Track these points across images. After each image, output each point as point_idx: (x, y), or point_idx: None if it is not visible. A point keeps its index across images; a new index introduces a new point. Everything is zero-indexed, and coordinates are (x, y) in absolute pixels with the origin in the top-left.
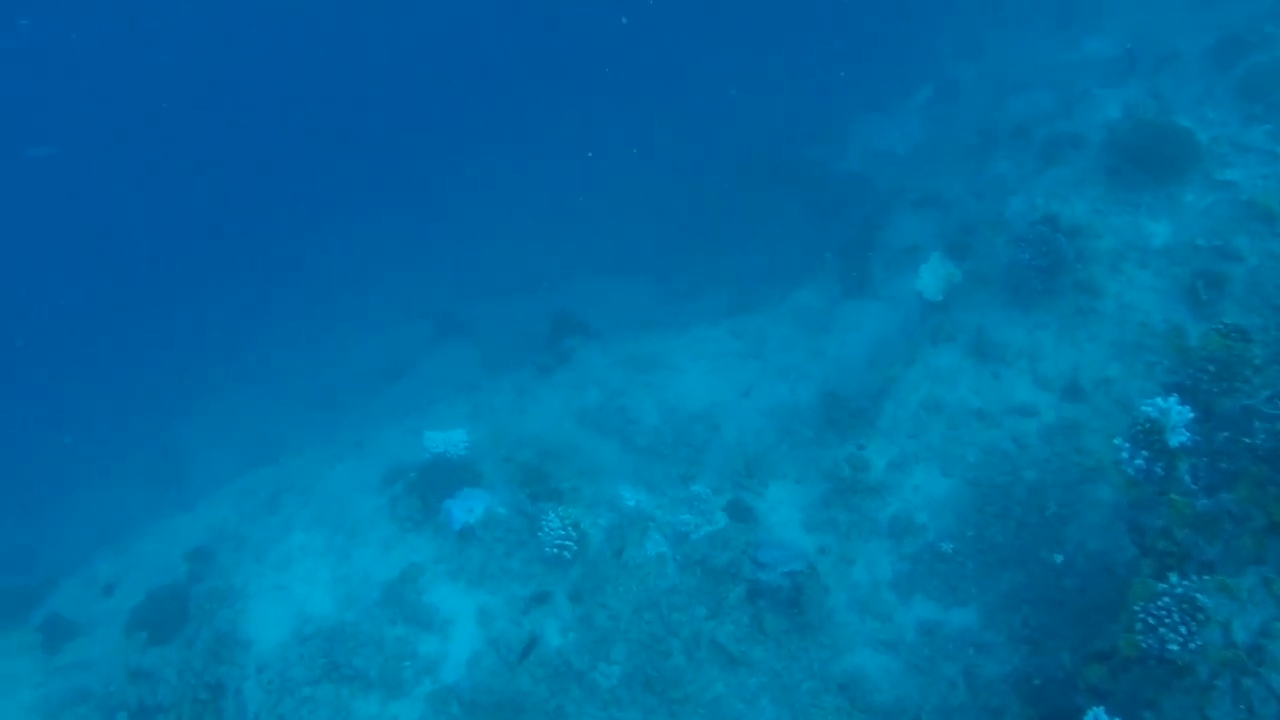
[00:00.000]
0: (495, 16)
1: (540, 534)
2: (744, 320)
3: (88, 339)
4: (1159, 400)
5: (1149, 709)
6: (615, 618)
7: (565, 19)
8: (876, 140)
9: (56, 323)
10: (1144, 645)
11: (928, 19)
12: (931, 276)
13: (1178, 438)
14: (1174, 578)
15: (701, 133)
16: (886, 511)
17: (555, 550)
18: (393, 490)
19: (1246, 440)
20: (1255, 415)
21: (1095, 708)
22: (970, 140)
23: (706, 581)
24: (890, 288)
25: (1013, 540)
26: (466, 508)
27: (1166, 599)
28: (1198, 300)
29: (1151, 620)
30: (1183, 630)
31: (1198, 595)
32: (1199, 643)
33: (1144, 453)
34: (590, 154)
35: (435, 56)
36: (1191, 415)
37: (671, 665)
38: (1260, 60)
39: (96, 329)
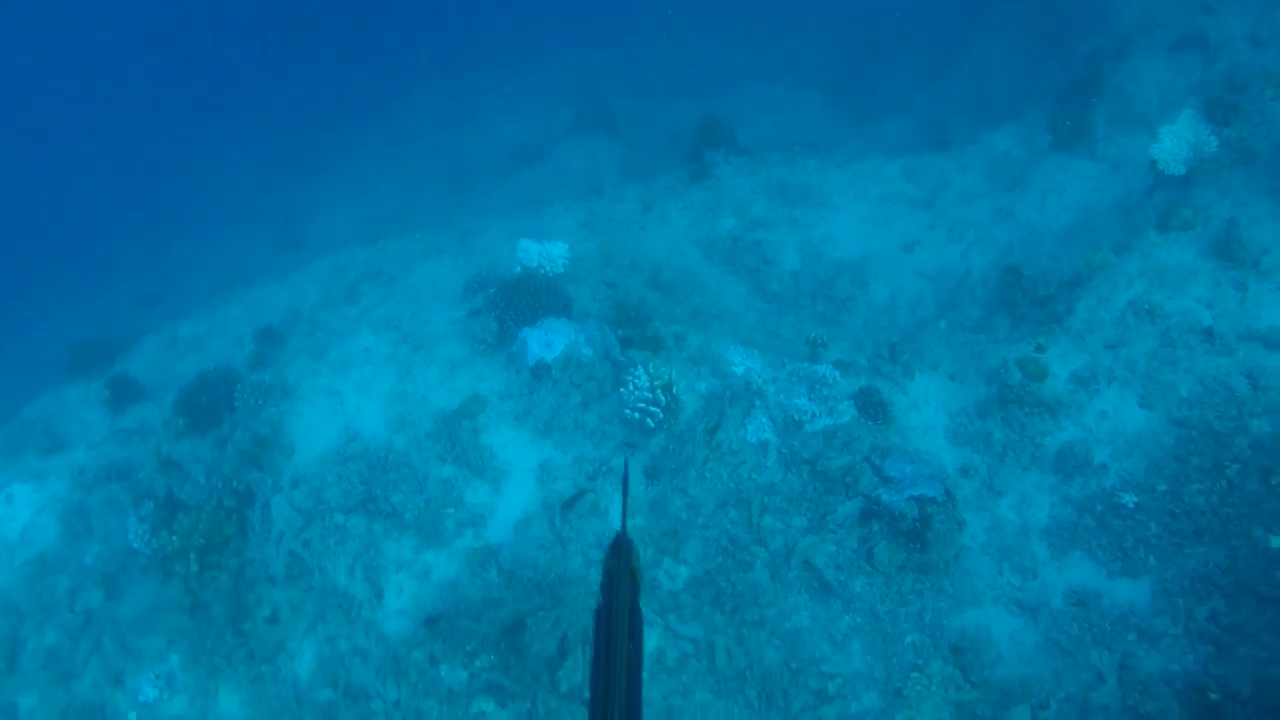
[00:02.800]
0: None
1: (624, 390)
2: (923, 160)
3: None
4: None
5: None
6: (695, 508)
7: None
8: None
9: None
10: None
11: None
12: (1175, 140)
13: None
14: None
15: None
16: (1058, 438)
17: (638, 415)
18: (472, 303)
19: None
20: None
21: None
22: None
23: (814, 486)
24: (1114, 147)
25: (1218, 507)
26: (545, 341)
27: None
28: None
29: None
30: None
31: None
32: None
33: None
34: None
35: None
36: None
37: (751, 580)
38: None
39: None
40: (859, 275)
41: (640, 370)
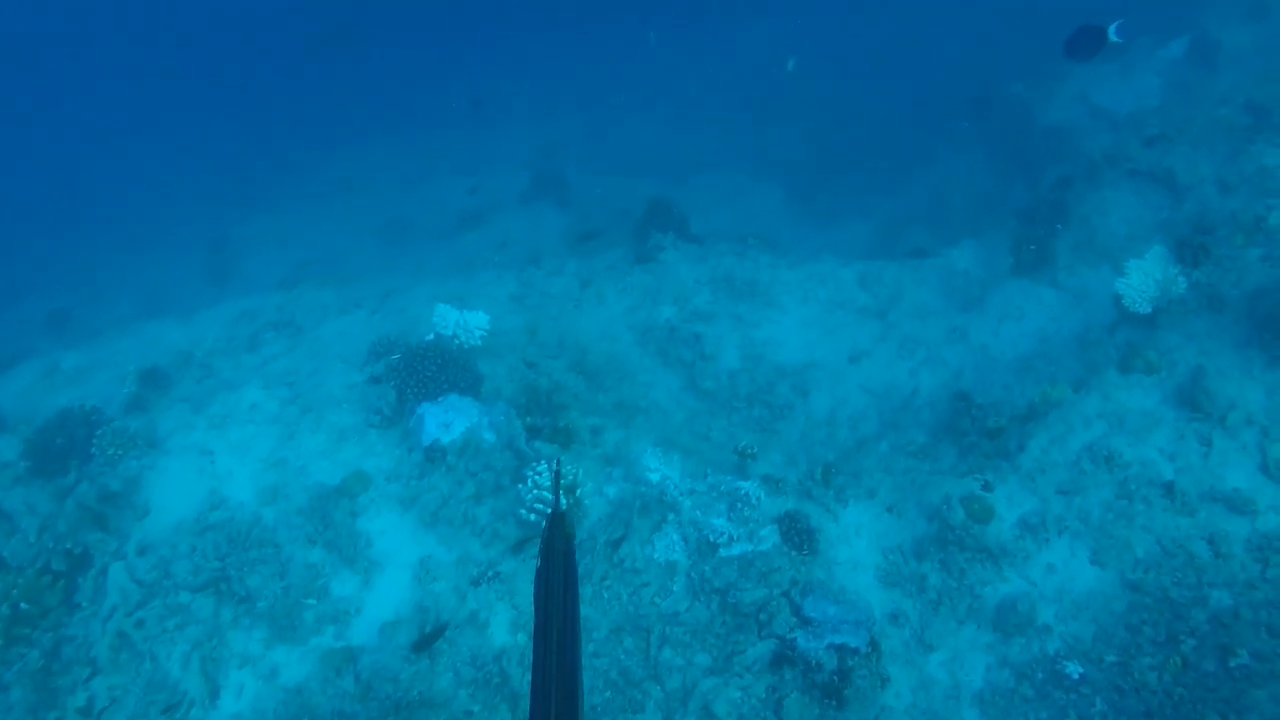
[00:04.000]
0: None
1: (522, 487)
2: (879, 268)
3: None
4: None
5: None
6: (585, 631)
7: None
8: (1097, 92)
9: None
10: None
11: None
12: (1142, 277)
13: None
14: None
15: (884, 46)
16: (1000, 589)
17: (534, 516)
18: (375, 368)
19: None
20: None
21: None
22: (1230, 116)
23: (723, 620)
24: (1076, 276)
25: (1171, 687)
26: (444, 421)
27: None
28: None
29: None
30: None
31: None
32: None
33: None
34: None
35: None
36: None
37: None
38: None
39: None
40: (800, 382)
41: (544, 466)
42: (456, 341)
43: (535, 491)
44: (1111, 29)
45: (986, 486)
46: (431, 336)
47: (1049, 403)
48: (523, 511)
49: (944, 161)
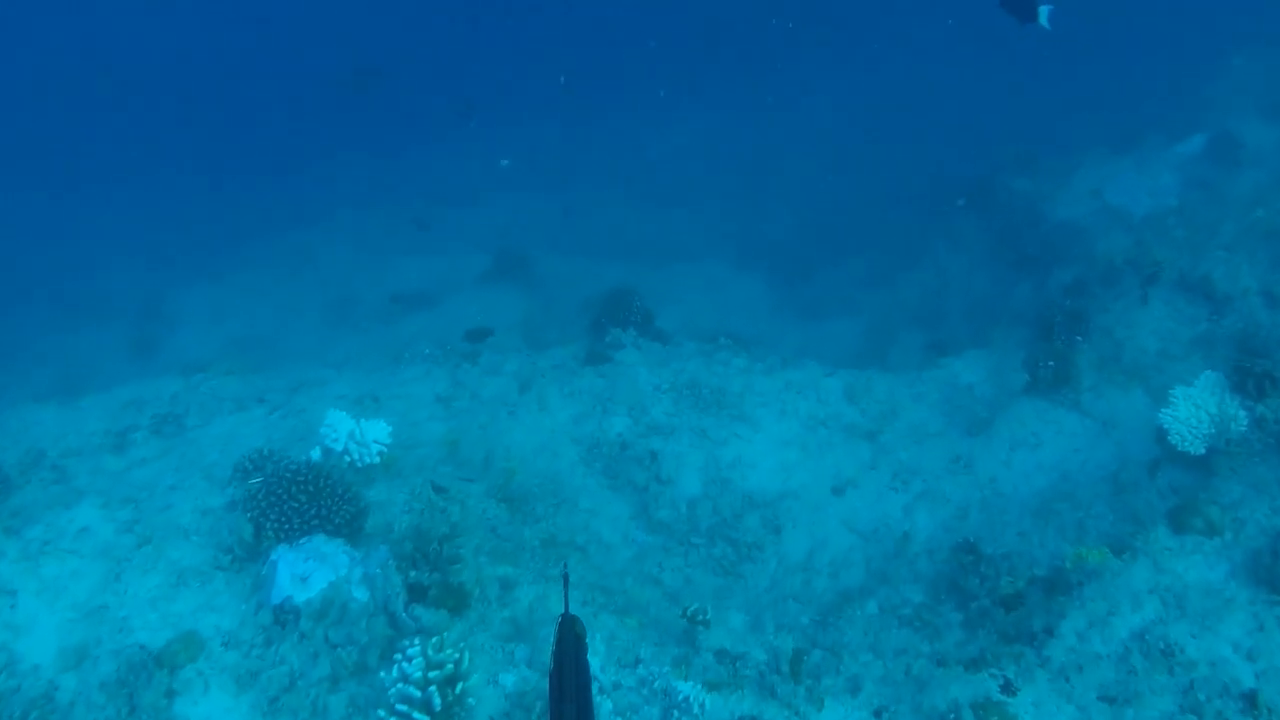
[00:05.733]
0: None
1: (385, 675)
2: (869, 378)
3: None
4: None
5: None
6: None
7: None
8: (1110, 189)
9: None
10: None
11: (1209, 55)
12: (1192, 409)
13: None
14: None
15: (880, 131)
16: None
17: (397, 716)
18: (233, 493)
19: None
20: None
21: None
22: (1270, 219)
23: None
24: (1103, 400)
25: None
26: (301, 572)
27: None
28: None
29: None
30: None
31: None
32: None
33: None
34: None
35: None
36: None
37: None
38: None
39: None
40: (773, 516)
41: (417, 648)
42: (347, 459)
43: (400, 685)
44: (1044, 12)
45: (1007, 688)
46: (316, 452)
47: (1084, 569)
48: (381, 712)
49: (940, 256)
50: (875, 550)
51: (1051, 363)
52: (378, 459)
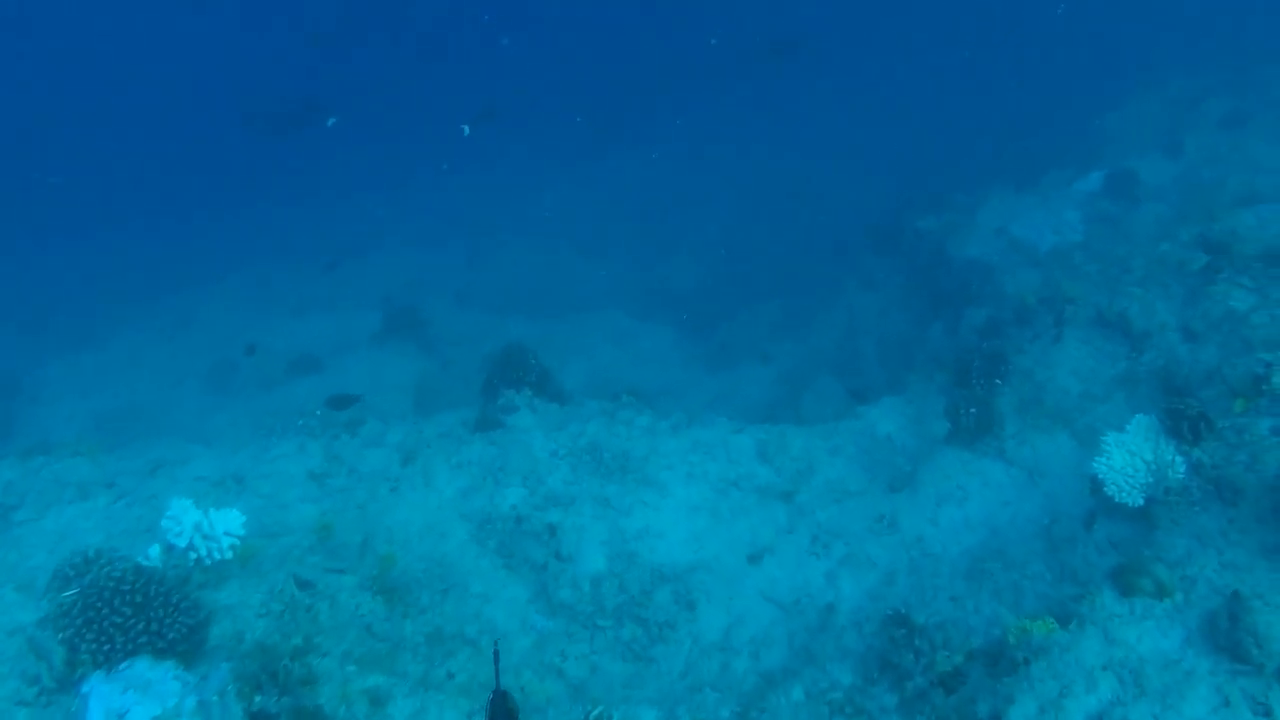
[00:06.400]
0: None
1: None
2: (782, 433)
3: None
4: None
5: None
6: None
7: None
8: (1016, 226)
9: None
10: None
11: (1104, 94)
12: (1126, 457)
13: None
14: None
15: (788, 174)
16: None
17: None
18: (49, 604)
19: None
20: None
21: None
22: (1179, 253)
23: None
24: (1028, 447)
25: None
26: (119, 707)
27: None
28: None
29: None
30: None
31: None
32: None
33: None
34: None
35: None
36: None
37: None
38: None
39: None
40: (685, 591)
41: None
42: (194, 556)
43: None
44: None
45: None
46: (155, 550)
47: (1030, 645)
48: None
49: (852, 299)
50: (798, 624)
51: (973, 409)
52: (230, 553)
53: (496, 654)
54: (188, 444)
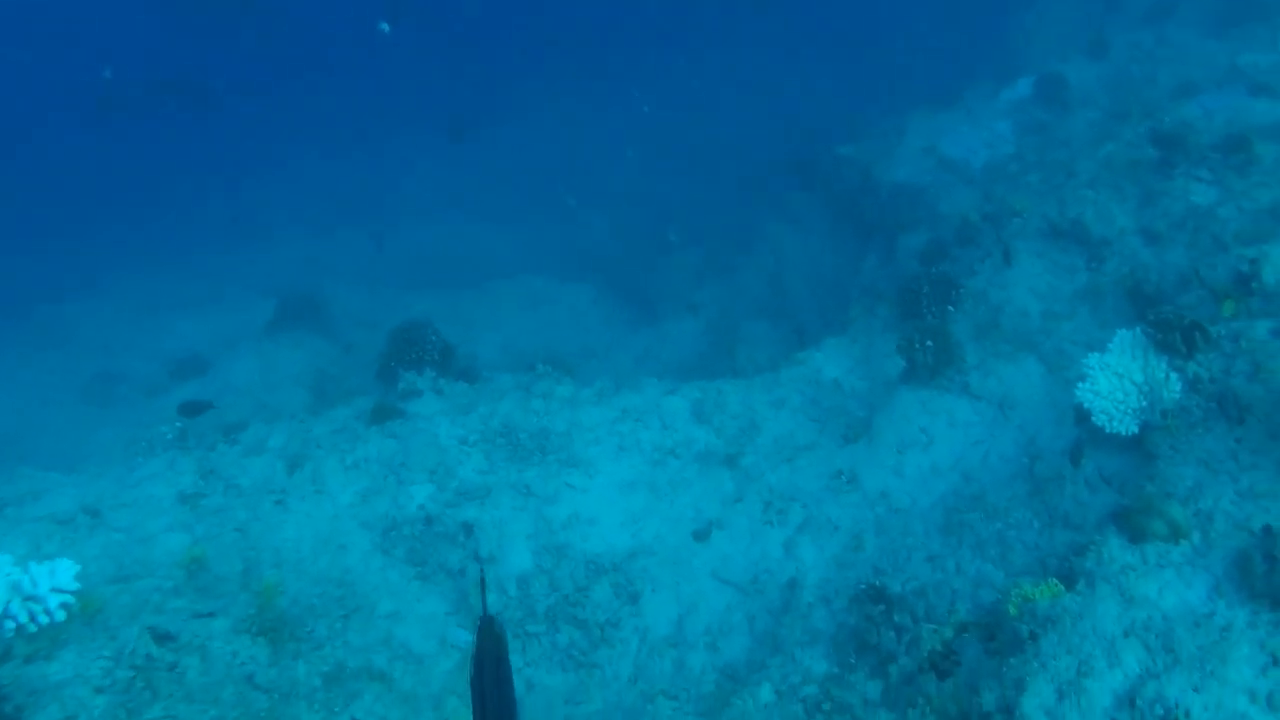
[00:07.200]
0: None
1: None
2: (719, 389)
3: None
4: None
5: None
6: None
7: None
8: (944, 144)
9: None
10: None
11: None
12: (1113, 381)
13: None
14: None
15: (701, 120)
16: None
17: None
18: None
19: None
20: None
21: None
22: (1129, 152)
23: None
24: (994, 378)
25: None
26: None
27: None
28: None
29: None
30: None
31: None
32: None
33: None
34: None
35: None
36: None
37: None
38: None
39: None
40: (627, 582)
41: None
42: (10, 625)
43: None
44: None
45: None
46: None
47: (1036, 616)
48: None
49: (777, 238)
50: (758, 606)
51: (929, 342)
52: (63, 613)
53: (483, 580)
54: (45, 473)
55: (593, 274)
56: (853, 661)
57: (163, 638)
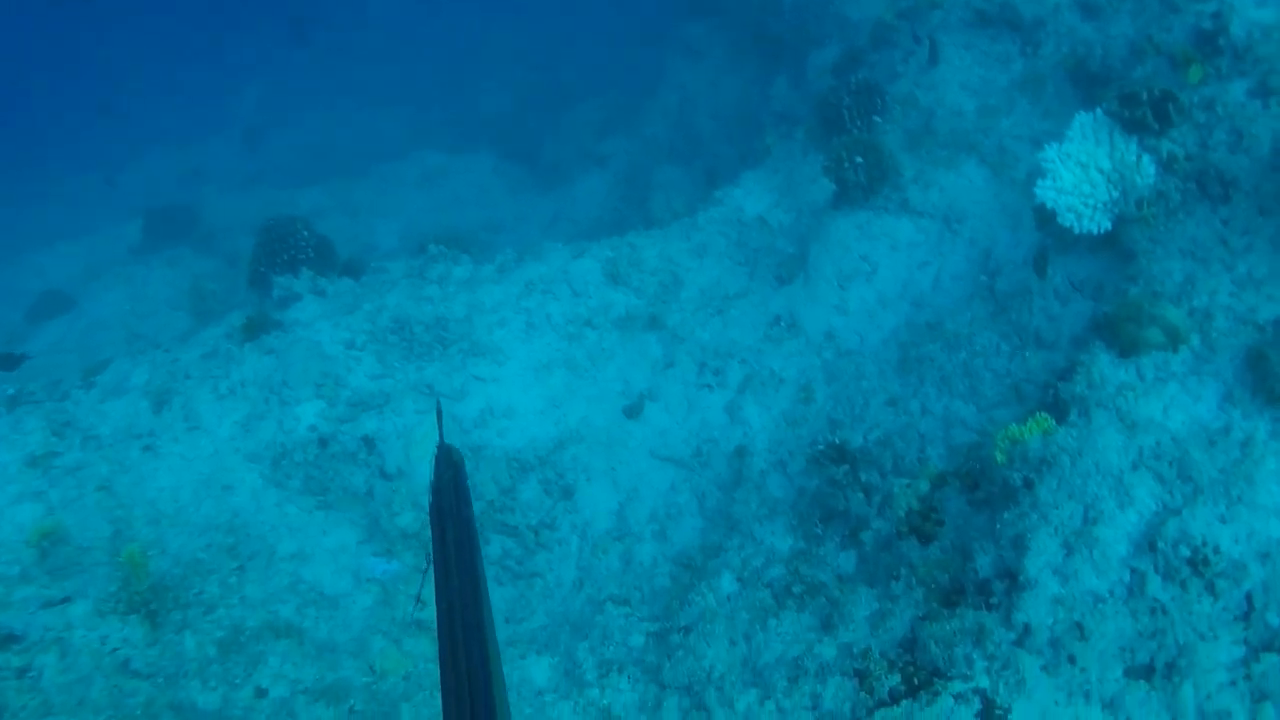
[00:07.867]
0: None
1: None
2: (633, 244)
3: None
4: None
5: None
6: None
7: None
8: None
9: None
10: None
11: None
12: (1078, 173)
13: None
14: None
15: None
16: None
17: None
18: None
19: None
20: None
21: None
22: None
23: None
24: (935, 189)
25: None
26: None
27: None
28: None
29: None
30: None
31: None
32: None
33: None
34: None
35: None
36: None
37: None
38: None
39: None
40: (557, 476)
41: None
42: None
43: None
44: None
45: (988, 714)
46: None
47: (1028, 459)
48: None
49: (679, 75)
50: (706, 481)
51: (860, 158)
52: None
53: (440, 410)
54: None
55: (492, 143)
56: (819, 533)
57: (5, 640)
